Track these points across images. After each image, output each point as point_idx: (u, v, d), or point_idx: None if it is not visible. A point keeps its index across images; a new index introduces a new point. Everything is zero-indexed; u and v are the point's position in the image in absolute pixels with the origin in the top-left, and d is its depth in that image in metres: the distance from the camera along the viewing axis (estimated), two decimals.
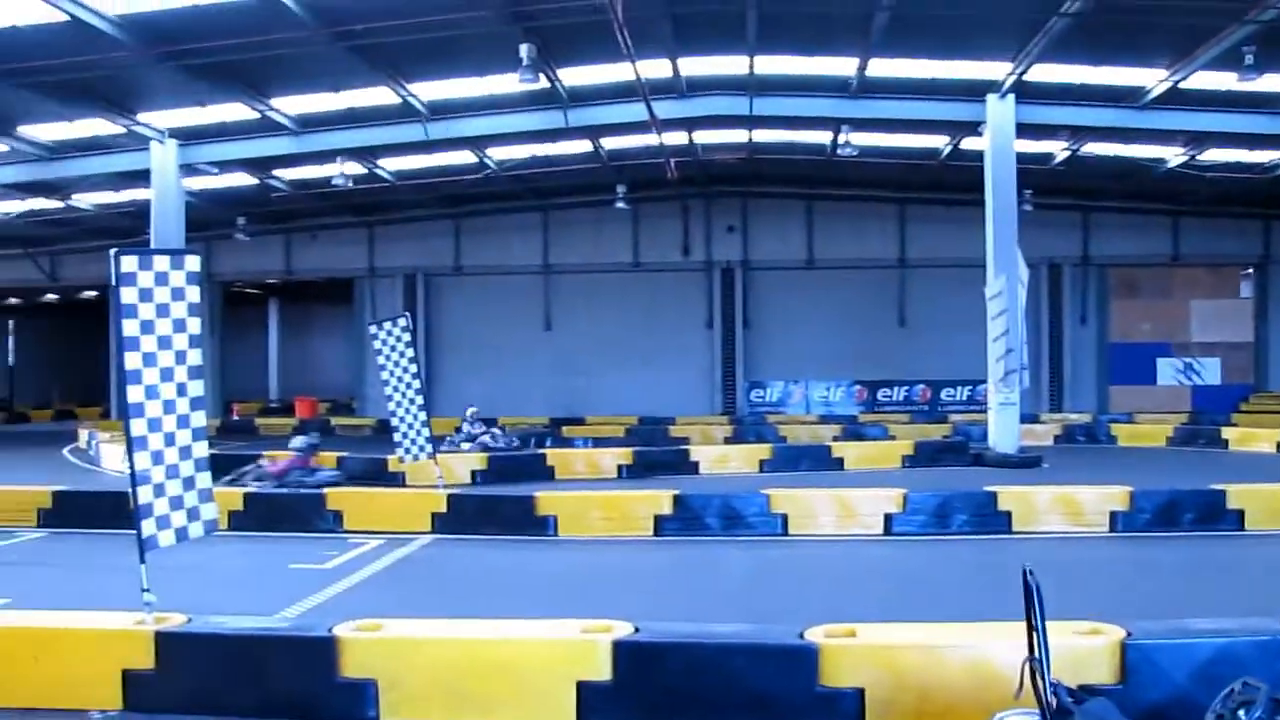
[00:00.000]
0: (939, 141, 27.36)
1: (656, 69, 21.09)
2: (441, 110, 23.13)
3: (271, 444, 26.57)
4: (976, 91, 21.83)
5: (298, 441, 18.91)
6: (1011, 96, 21.70)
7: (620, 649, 6.61)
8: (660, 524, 13.90)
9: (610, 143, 27.34)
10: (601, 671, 6.60)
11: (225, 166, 26.58)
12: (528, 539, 13.87)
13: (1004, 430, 21.71)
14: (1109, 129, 24.20)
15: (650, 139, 25.72)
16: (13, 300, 52.17)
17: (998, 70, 21.13)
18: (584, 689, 6.59)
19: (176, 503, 7.58)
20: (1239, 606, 7.69)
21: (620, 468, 20.55)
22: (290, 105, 22.43)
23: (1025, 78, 21.15)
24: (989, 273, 21.95)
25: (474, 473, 19.86)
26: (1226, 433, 26.19)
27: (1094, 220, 35.22)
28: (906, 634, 6.76)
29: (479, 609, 8.64)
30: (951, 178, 29.11)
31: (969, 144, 25.24)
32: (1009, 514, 13.82)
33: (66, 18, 16.14)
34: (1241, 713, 4.56)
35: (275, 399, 49.44)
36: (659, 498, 14.24)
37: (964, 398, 34.43)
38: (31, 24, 16.55)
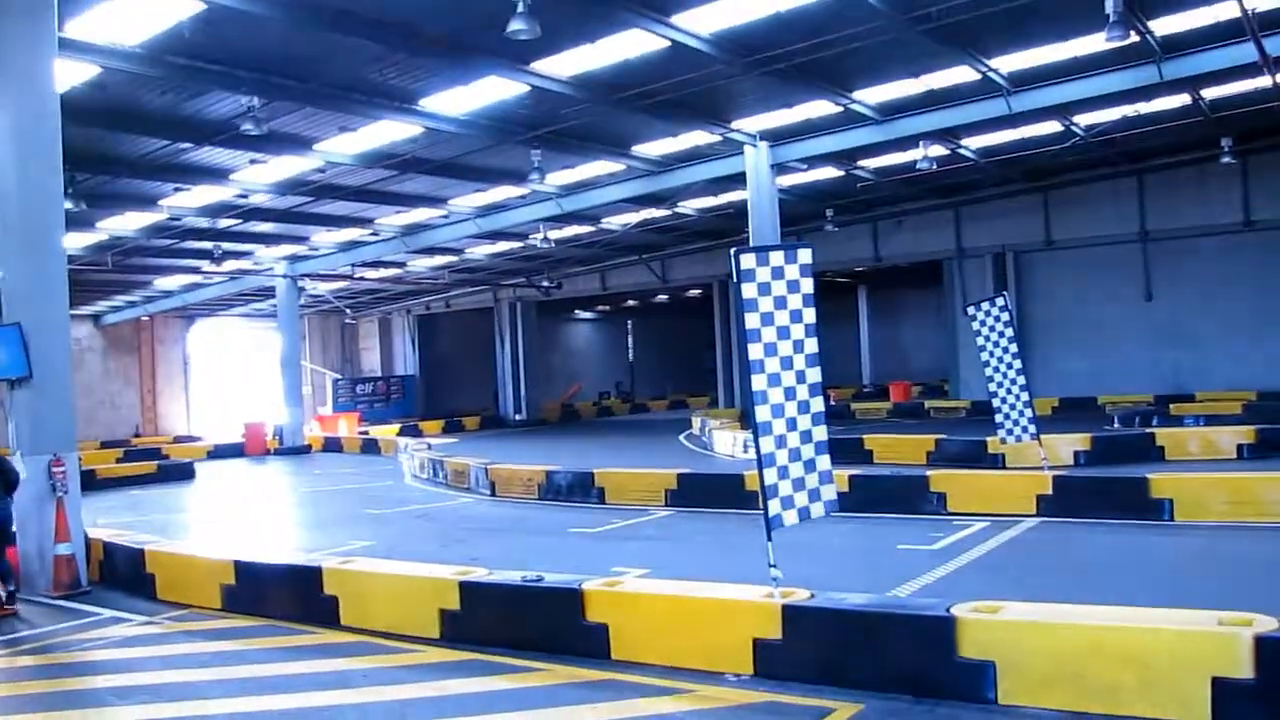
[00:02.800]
0: None
1: (1268, 1, 19.09)
2: (1023, 81, 22.44)
3: (868, 428, 27.31)
4: None
5: None
6: None
7: (1264, 645, 6.09)
8: None
9: (1212, 92, 25.11)
10: (1241, 668, 6.12)
11: (812, 162, 27.54)
12: (1140, 523, 13.18)
13: None
14: None
15: (1261, 82, 23.33)
16: (631, 302, 57.67)
17: None
18: (1220, 685, 6.16)
19: (799, 484, 8.01)
20: None
21: (1240, 447, 18.91)
22: (871, 95, 22.80)
23: None
24: None
25: (1077, 453, 19.16)
26: None
27: None
28: None
29: (1092, 595, 8.34)
30: None
31: None
32: None
33: (668, 43, 17.57)
34: None
35: (868, 383, 50.62)
36: None
37: None
38: (639, 54, 18.21)
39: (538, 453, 28.14)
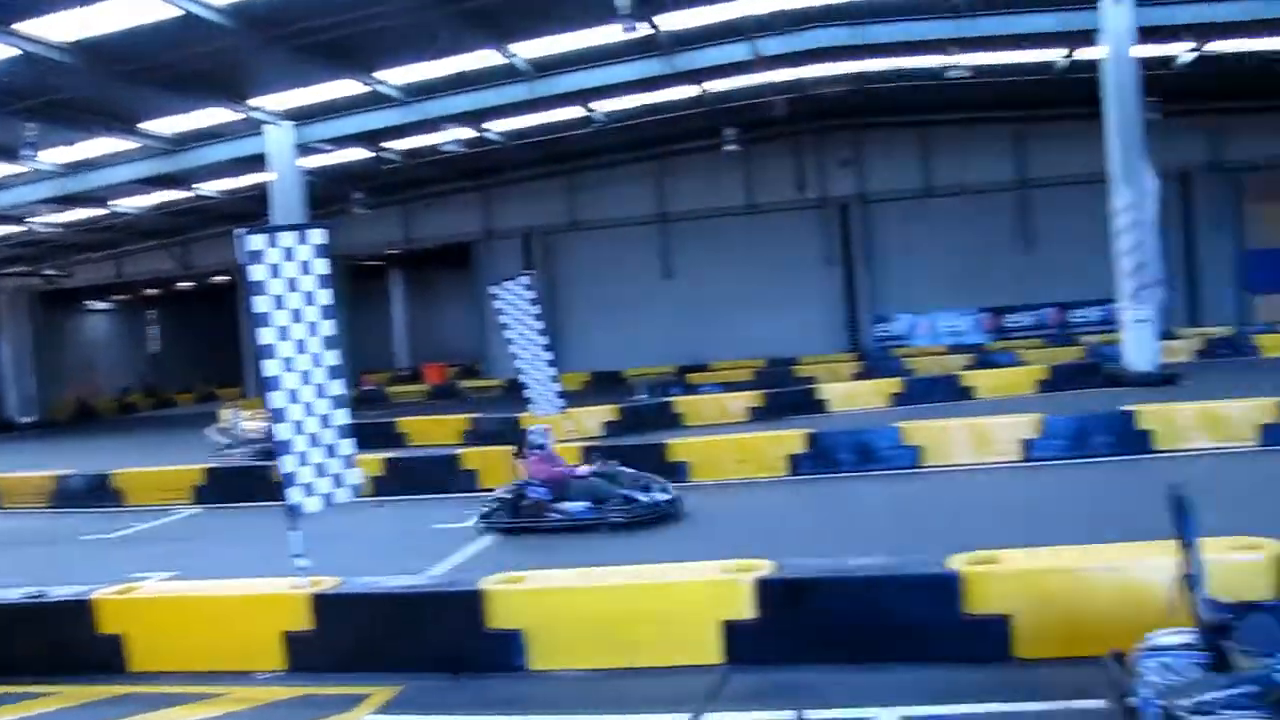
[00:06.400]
0: (1055, 55, 26.42)
1: (760, 5, 20.78)
2: (545, 67, 23.16)
3: (403, 411, 27.20)
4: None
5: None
6: (1128, 0, 20.83)
7: (763, 587, 6.64)
8: (796, 463, 13.89)
9: (716, 85, 27.08)
10: (746, 610, 6.65)
11: (339, 143, 27.05)
12: None
13: (1140, 348, 21.05)
14: (1235, 24, 23.08)
15: (757, 78, 25.44)
16: (151, 291, 54.10)
17: None
18: (729, 628, 6.65)
19: (320, 470, 7.78)
20: None
21: (750, 410, 20.53)
22: (396, 76, 22.67)
23: None
24: (1113, 186, 21.23)
25: (606, 424, 20.02)
26: None
27: (1227, 123, 33.69)
28: (1050, 559, 6.66)
29: (623, 558, 8.72)
30: (1070, 91, 28.11)
31: (1087, 54, 24.30)
32: (1149, 433, 13.45)
33: (180, 12, 16.54)
34: None
35: (404, 367, 50.43)
36: (791, 437, 14.23)
37: (1096, 318, 33.28)
38: (147, 22, 16.97)
39: (50, 457, 25.81)
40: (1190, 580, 4.82)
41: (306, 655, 7.33)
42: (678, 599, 6.84)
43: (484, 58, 22.07)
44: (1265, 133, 33.00)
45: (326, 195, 33.50)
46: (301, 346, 7.62)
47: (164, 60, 18.81)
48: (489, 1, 18.35)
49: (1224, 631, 4.70)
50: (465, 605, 7.06)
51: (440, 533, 12.17)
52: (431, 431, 21.44)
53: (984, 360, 27.56)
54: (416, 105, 24.19)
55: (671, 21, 21.35)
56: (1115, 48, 21.13)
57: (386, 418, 24.07)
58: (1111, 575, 6.31)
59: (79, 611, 7.80)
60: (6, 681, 7.61)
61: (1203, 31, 24.36)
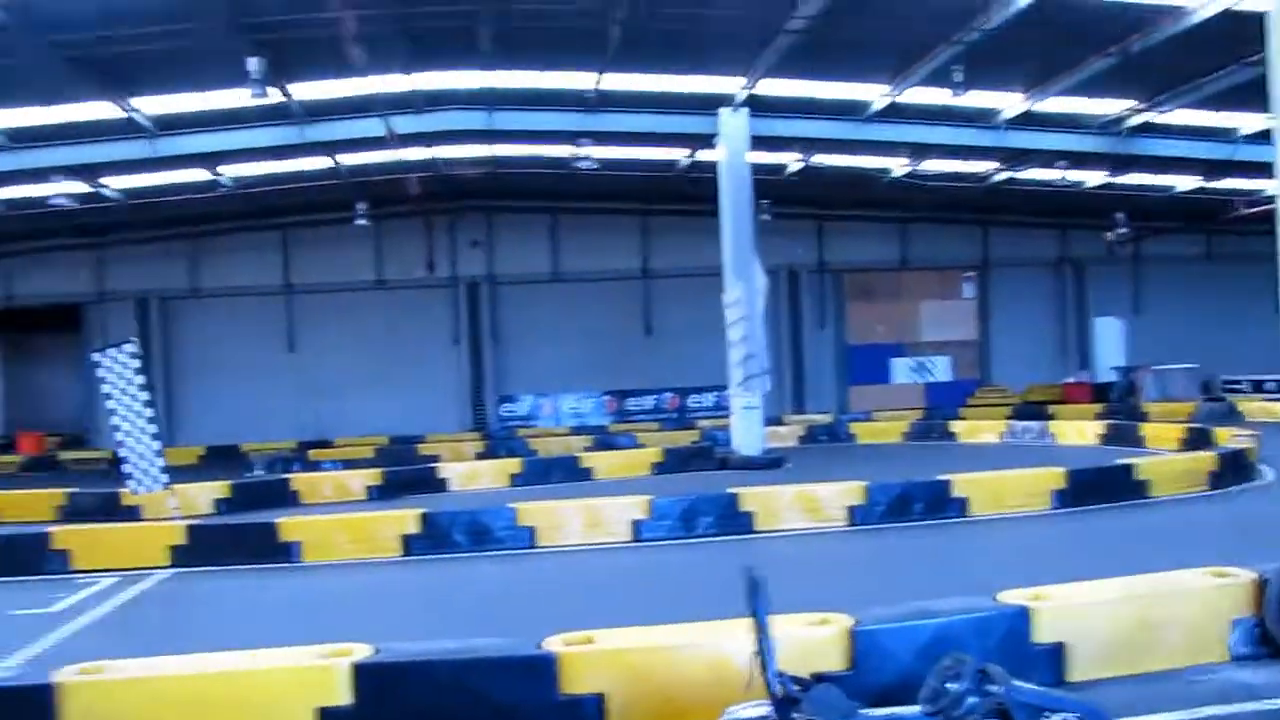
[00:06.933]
0: (678, 154, 28.04)
1: (393, 83, 20.87)
2: (170, 125, 22.20)
3: None
4: (711, 105, 22.46)
5: None
6: (745, 110, 22.40)
7: (361, 671, 6.46)
8: (409, 544, 13.73)
9: (349, 159, 26.84)
10: (342, 696, 6.43)
11: None
12: (272, 567, 13.45)
13: (747, 433, 22.38)
14: (837, 140, 25.41)
15: (391, 154, 25.43)
16: None
17: (731, 84, 21.83)
18: (326, 715, 6.42)
19: None
20: (960, 587, 8.14)
21: (369, 489, 20.21)
22: (0, 119, 21.09)
23: (756, 92, 21.94)
24: (726, 280, 22.58)
25: (218, 501, 19.12)
26: (955, 426, 27.82)
27: (828, 228, 36.84)
28: (643, 637, 6.88)
29: (220, 642, 8.27)
30: (692, 189, 29.82)
31: (707, 155, 25.91)
32: (751, 514, 14.28)
33: None
34: (950, 684, 4.87)
35: None
36: (405, 517, 14.09)
37: (711, 403, 35.12)
38: None
39: None
40: (763, 655, 5.09)
41: None
42: (272, 685, 6.54)
43: (102, 109, 20.90)
44: (859, 239, 36.41)
45: None
46: None
47: None
48: (108, 51, 17.45)
49: (793, 703, 4.99)
50: (36, 703, 6.45)
51: (21, 619, 11.14)
52: (20, 506, 19.69)
53: (604, 442, 28.40)
54: (20, 152, 22.52)
55: (304, 91, 21.05)
56: (731, 152, 22.63)
57: None
58: (699, 651, 6.59)
59: None
60: None
61: (808, 145, 26.61)
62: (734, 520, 14.20)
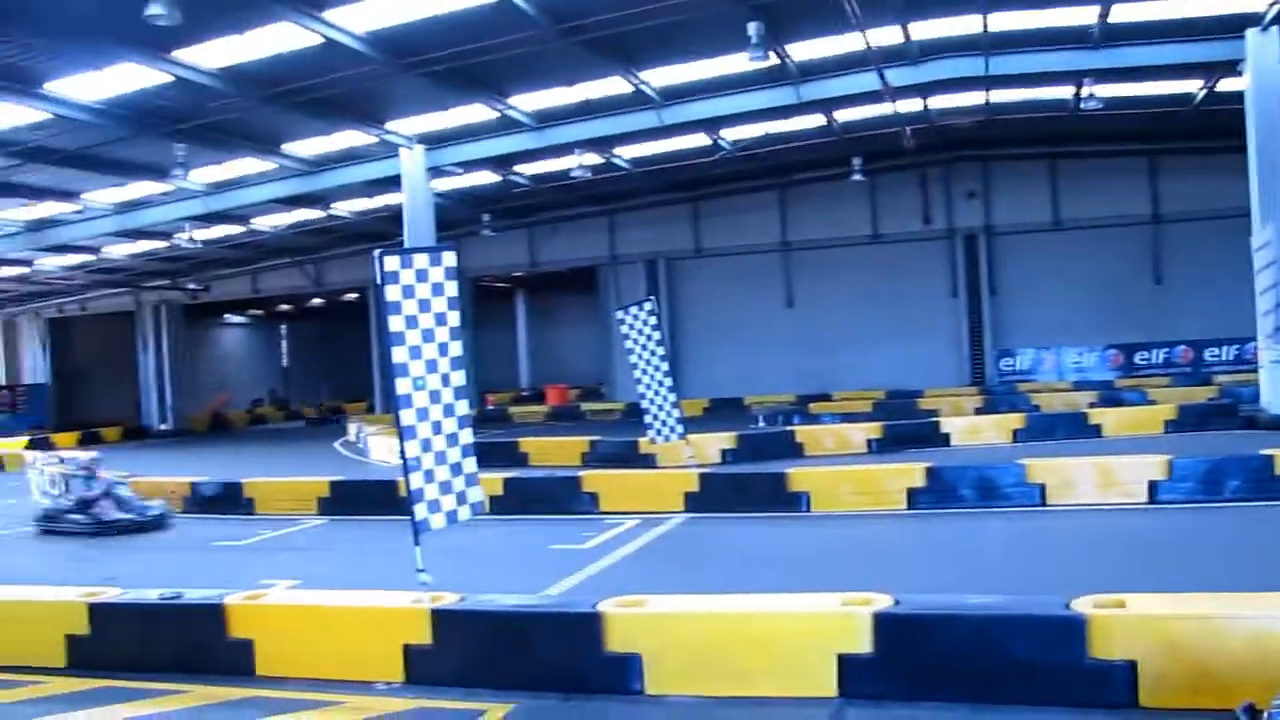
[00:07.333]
0: (1192, 86, 25.75)
1: (887, 36, 20.68)
2: (673, 95, 23.34)
3: (524, 431, 27.58)
4: (1235, 27, 20.42)
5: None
6: (1276, 29, 20.19)
7: (881, 621, 6.55)
8: (913, 497, 13.70)
9: (844, 115, 26.99)
10: (862, 644, 6.56)
11: (469, 166, 27.61)
12: (780, 515, 13.90)
13: (1278, 389, 20.35)
14: None
15: (885, 108, 25.29)
16: (284, 306, 55.75)
17: (1258, 1, 19.73)
18: (845, 662, 6.58)
19: (445, 487, 7.97)
20: None
21: (870, 442, 20.31)
22: (527, 102, 23.08)
23: None
24: (1255, 222, 20.60)
25: (724, 451, 19.99)
26: None
27: None
28: (1181, 604, 6.45)
29: (736, 585, 8.72)
30: (1207, 124, 27.40)
31: (1227, 85, 23.65)
32: None
33: (321, 39, 17.16)
34: None
35: (526, 388, 51.03)
36: (911, 470, 14.02)
37: (1231, 357, 32.28)
38: (291, 49, 17.64)
39: (184, 464, 26.69)
40: None
41: (425, 669, 7.46)
42: (794, 630, 6.80)
43: (613, 85, 22.35)
44: None
45: (456, 217, 34.23)
46: (432, 366, 7.83)
47: (306, 85, 19.49)
48: (618, 30, 18.57)
49: None
50: (583, 626, 7.12)
51: (559, 554, 12.28)
52: (552, 452, 21.64)
53: (1111, 398, 26.92)
54: (546, 131, 24.60)
55: (801, 51, 21.38)
56: (1259, 78, 20.52)
57: (508, 437, 24.39)
58: (1246, 624, 6.09)
59: (212, 615, 8.04)
60: (143, 678, 7.92)
61: None
62: (1268, 484, 12.95)
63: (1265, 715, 4.82)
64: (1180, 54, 22.05)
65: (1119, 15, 20.41)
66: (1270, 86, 20.49)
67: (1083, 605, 6.35)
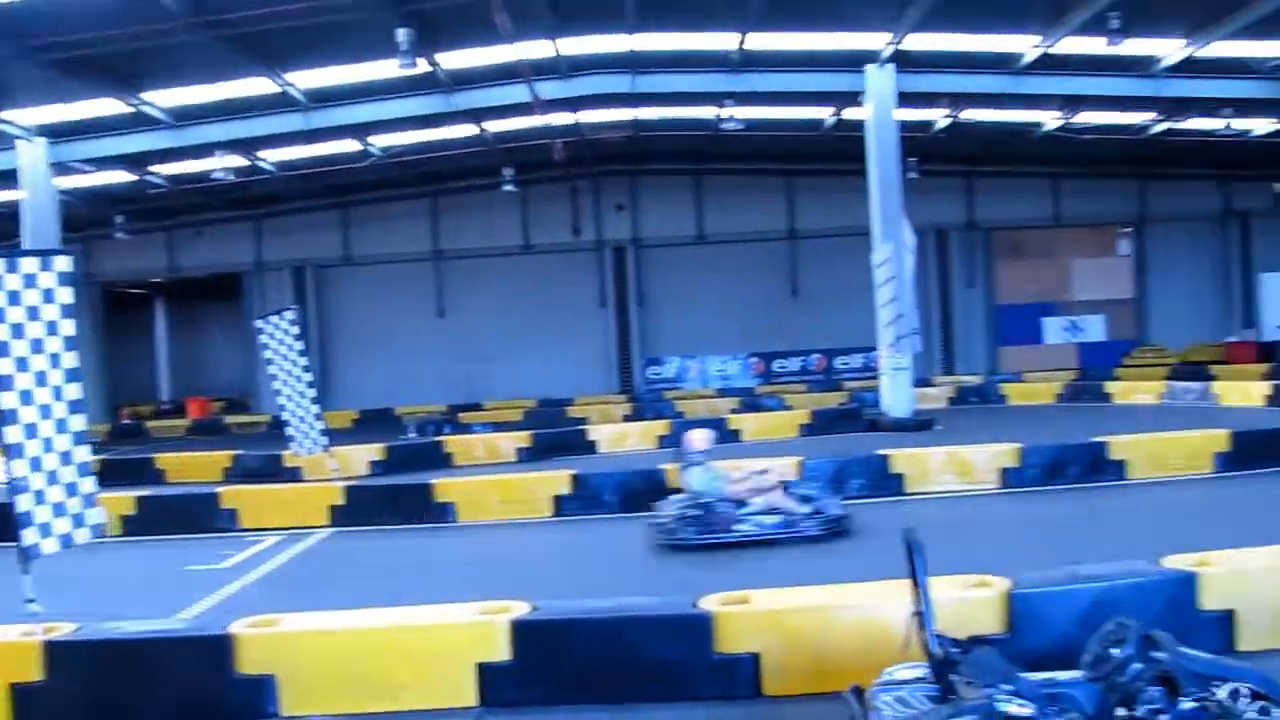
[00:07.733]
0: (823, 113, 27.65)
1: (538, 49, 21.00)
2: (321, 98, 22.76)
3: (162, 447, 26.09)
4: (857, 62, 22.05)
5: None
6: (891, 66, 21.96)
7: (518, 628, 6.65)
8: (560, 504, 13.95)
9: (495, 125, 27.17)
10: (501, 652, 6.65)
11: (100, 164, 25.90)
12: (428, 527, 13.82)
13: (897, 395, 22.09)
14: (986, 95, 24.65)
15: (535, 120, 25.64)
16: None
17: (877, 40, 21.39)
18: (485, 670, 6.64)
19: (59, 509, 7.38)
20: (1119, 552, 7.96)
21: (520, 450, 20.50)
22: (164, 99, 21.89)
23: (903, 47, 21.46)
24: (875, 240, 22.28)
25: (373, 463, 19.67)
26: (1110, 387, 26.97)
27: (977, 185, 35.92)
28: (798, 598, 6.91)
29: (379, 599, 8.56)
30: (838, 148, 29.38)
31: (853, 114, 25.48)
32: (902, 476, 14.12)
33: None
34: (1114, 650, 4.77)
35: (167, 400, 48.33)
36: (557, 478, 14.28)
37: (859, 365, 34.80)
38: None
39: None
40: (921, 617, 5.07)
41: (38, 709, 6.89)
42: (434, 641, 6.78)
43: (257, 85, 21.56)
44: (1009, 196, 35.47)
45: (86, 218, 32.03)
46: (42, 379, 7.22)
47: None
48: (262, 29, 17.95)
49: (951, 665, 4.96)
50: (214, 649, 6.80)
51: (194, 575, 11.69)
52: (191, 468, 20.59)
53: (751, 404, 28.30)
54: (184, 130, 23.39)
55: (452, 60, 21.35)
56: (878, 110, 22.26)
57: (144, 453, 23.06)
58: (854, 613, 6.60)
59: None
60: None
61: (956, 100, 25.98)
62: (884, 482, 14.10)
63: (868, 694, 5.21)
64: (811, 83, 23.63)
65: (755, 43, 21.57)
66: (886, 117, 22.27)
67: (709, 603, 6.68)
